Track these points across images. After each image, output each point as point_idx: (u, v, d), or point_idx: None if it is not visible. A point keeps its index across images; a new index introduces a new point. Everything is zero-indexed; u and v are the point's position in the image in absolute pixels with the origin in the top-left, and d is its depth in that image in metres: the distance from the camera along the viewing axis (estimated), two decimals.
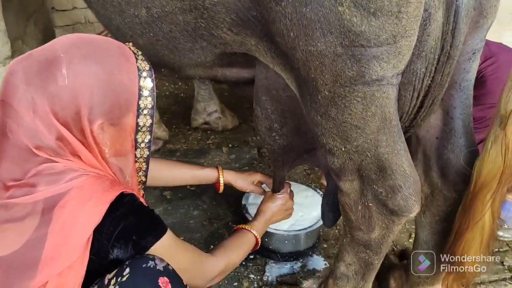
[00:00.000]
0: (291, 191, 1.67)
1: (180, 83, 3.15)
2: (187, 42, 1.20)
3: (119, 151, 1.03)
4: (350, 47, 0.94)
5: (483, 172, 1.15)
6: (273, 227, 1.66)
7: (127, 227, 0.95)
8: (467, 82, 1.24)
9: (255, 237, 1.47)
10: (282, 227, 1.70)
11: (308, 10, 0.92)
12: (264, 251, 1.75)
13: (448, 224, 1.31)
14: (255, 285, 1.65)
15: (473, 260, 1.24)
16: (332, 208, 1.40)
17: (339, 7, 0.89)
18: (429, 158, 1.30)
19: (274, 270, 1.72)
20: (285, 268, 1.73)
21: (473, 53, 1.20)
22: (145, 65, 1.05)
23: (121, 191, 0.96)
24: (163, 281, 0.93)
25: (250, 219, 1.61)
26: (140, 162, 1.11)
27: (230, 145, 2.48)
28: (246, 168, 2.28)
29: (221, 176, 1.64)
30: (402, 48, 0.97)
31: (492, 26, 2.19)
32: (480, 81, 1.89)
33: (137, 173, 1.12)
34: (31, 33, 3.13)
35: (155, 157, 1.90)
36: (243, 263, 1.73)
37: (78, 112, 0.92)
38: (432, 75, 1.13)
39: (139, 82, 1.01)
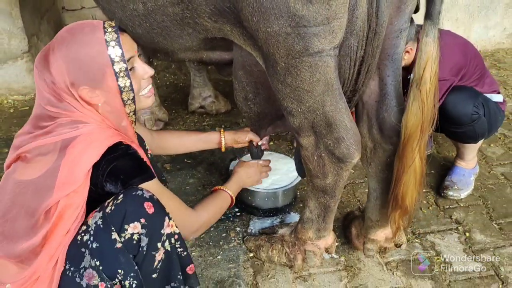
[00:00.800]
0: (267, 160, 1.96)
1: (178, 74, 3.45)
2: (176, 30, 1.48)
3: (112, 107, 1.29)
4: (296, 27, 1.23)
5: (408, 124, 1.44)
6: (255, 187, 1.96)
7: (117, 167, 1.22)
8: (397, 55, 1.52)
9: (230, 195, 1.70)
10: (262, 186, 1.99)
11: (265, 0, 1.22)
12: (248, 208, 2.04)
13: (389, 173, 1.59)
14: (240, 236, 1.94)
15: (411, 196, 1.53)
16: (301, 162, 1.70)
17: None
18: (371, 119, 1.59)
19: (257, 225, 2.00)
20: (266, 222, 2.01)
21: (400, 32, 1.48)
22: (113, 36, 1.24)
23: (118, 140, 1.25)
24: (147, 205, 1.19)
25: None
26: (129, 104, 1.32)
27: (223, 126, 2.76)
28: None
29: (222, 136, 1.89)
30: (334, 28, 1.26)
31: (462, 19, 2.52)
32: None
33: (128, 115, 1.35)
34: (45, 30, 3.43)
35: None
36: (230, 218, 2.02)
37: (67, 84, 1.21)
38: (364, 48, 1.41)
39: (107, 51, 1.23)
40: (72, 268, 1.17)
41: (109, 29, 1.25)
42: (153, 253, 1.19)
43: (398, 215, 1.60)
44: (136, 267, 1.17)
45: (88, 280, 1.15)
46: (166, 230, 1.22)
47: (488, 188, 2.20)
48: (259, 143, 1.92)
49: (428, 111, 1.40)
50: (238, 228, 1.99)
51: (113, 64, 1.24)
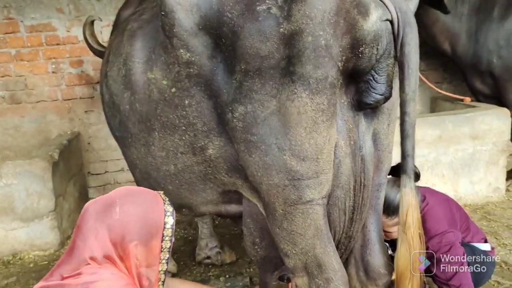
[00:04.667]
0: None
1: (188, 228, 3.60)
2: (200, 184, 1.77)
3: (148, 264, 1.43)
4: (292, 180, 1.45)
5: (399, 264, 1.56)
6: None
7: None
8: (378, 205, 1.71)
9: None
10: None
11: (267, 158, 1.45)
12: None
13: None
14: None
15: None
16: None
17: (284, 156, 1.42)
18: (357, 261, 1.70)
19: None
20: None
21: (380, 185, 1.69)
22: (169, 208, 1.48)
23: None
24: None
25: None
26: (161, 273, 1.48)
27: (227, 276, 2.81)
28: None
29: None
30: (322, 180, 1.46)
31: (448, 175, 2.78)
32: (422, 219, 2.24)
33: (158, 283, 1.49)
34: (70, 192, 3.71)
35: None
36: None
37: (123, 235, 1.38)
38: (353, 199, 1.59)
39: (164, 218, 1.46)
40: None
41: (167, 201, 1.49)
42: None
43: None
44: None
45: None
46: None
47: None
48: None
49: (415, 255, 1.51)
50: None
51: (164, 229, 1.44)
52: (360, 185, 1.58)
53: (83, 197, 3.96)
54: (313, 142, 1.43)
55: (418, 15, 3.67)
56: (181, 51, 1.58)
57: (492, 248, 2.27)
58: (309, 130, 1.42)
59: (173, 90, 1.68)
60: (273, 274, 1.87)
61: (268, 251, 1.76)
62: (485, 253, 2.17)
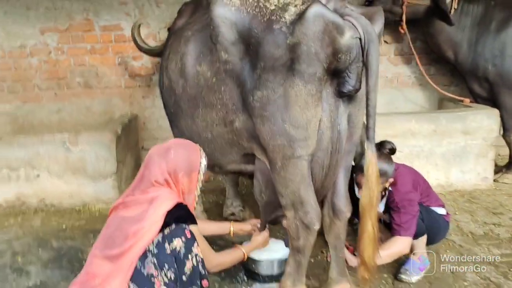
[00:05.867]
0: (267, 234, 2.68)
1: (219, 195, 4.34)
2: (228, 148, 2.49)
3: (189, 190, 2.18)
4: (289, 142, 2.13)
5: (362, 202, 2.19)
6: (257, 257, 2.65)
7: (179, 215, 2.04)
8: (347, 165, 2.36)
9: (243, 253, 2.47)
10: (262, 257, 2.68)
11: (274, 127, 2.14)
12: (252, 274, 2.72)
13: (340, 241, 2.37)
14: None
15: (368, 252, 2.20)
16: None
17: (285, 125, 2.11)
18: (328, 203, 2.37)
19: (257, 285, 2.69)
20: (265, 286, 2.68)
21: (349, 152, 2.34)
22: (203, 154, 2.24)
23: (180, 202, 2.09)
24: (187, 232, 1.99)
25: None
26: (196, 195, 2.23)
27: None
28: None
29: (231, 226, 2.71)
30: (309, 143, 2.14)
31: (441, 164, 3.67)
32: (394, 182, 2.85)
33: (194, 203, 2.24)
34: (128, 161, 4.52)
35: None
36: (238, 282, 2.71)
37: (175, 168, 2.12)
38: (329, 160, 2.26)
39: (200, 160, 2.21)
40: (140, 264, 1.92)
41: (202, 150, 2.26)
42: (185, 260, 1.95)
43: (363, 269, 2.25)
44: (175, 266, 1.91)
45: (148, 270, 1.91)
46: (195, 251, 1.98)
47: (436, 277, 2.75)
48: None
49: (373, 194, 2.16)
50: (243, 287, 2.66)
51: (200, 166, 2.20)
52: (336, 150, 2.25)
53: (137, 166, 4.73)
54: (305, 117, 2.11)
55: (427, 26, 4.26)
56: (222, 53, 2.28)
57: (447, 213, 2.88)
58: (302, 108, 2.10)
59: (214, 79, 2.39)
60: (270, 216, 2.55)
61: (269, 198, 2.43)
62: (439, 215, 2.80)
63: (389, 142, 2.74)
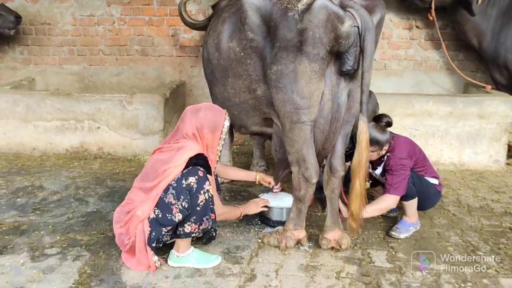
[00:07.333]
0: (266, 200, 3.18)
1: (250, 157, 4.87)
2: (251, 112, 2.98)
3: (212, 145, 2.71)
4: (296, 109, 2.60)
5: (354, 162, 2.62)
6: (270, 205, 3.16)
7: (198, 163, 2.59)
8: (346, 131, 2.80)
9: (240, 212, 2.97)
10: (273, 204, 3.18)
11: (285, 96, 2.61)
12: (264, 219, 3.23)
13: (335, 195, 2.81)
14: (257, 231, 3.14)
15: (355, 205, 2.64)
16: None
17: (293, 95, 2.57)
18: (327, 163, 2.82)
19: (268, 229, 3.19)
20: (274, 229, 3.18)
21: (348, 122, 2.77)
22: (227, 117, 2.73)
23: (202, 152, 2.63)
24: (201, 172, 2.53)
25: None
26: (218, 150, 2.76)
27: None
28: None
29: (258, 174, 3.22)
30: (311, 111, 2.60)
31: (455, 144, 4.17)
32: (392, 147, 3.14)
33: (216, 157, 2.78)
34: (174, 121, 5.08)
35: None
36: (254, 224, 3.24)
37: (202, 125, 2.65)
38: (329, 126, 2.71)
39: (224, 121, 2.71)
40: (163, 194, 2.51)
41: (227, 114, 2.75)
42: (198, 194, 2.51)
43: (351, 219, 2.71)
44: (189, 197, 2.48)
45: (168, 199, 2.48)
46: (206, 187, 2.54)
47: (422, 237, 3.15)
48: (276, 187, 3.20)
49: (362, 157, 2.58)
50: (256, 229, 3.19)
51: (223, 127, 2.70)
52: (335, 119, 2.69)
53: None
54: (309, 89, 2.56)
55: (454, 14, 4.53)
56: (249, 32, 2.74)
57: (439, 184, 3.25)
58: (307, 82, 2.55)
59: (242, 54, 2.86)
60: (283, 170, 3.05)
61: (282, 155, 2.91)
62: (431, 184, 3.17)
63: (386, 116, 3.10)
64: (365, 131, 2.58)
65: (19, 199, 3.67)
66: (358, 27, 2.48)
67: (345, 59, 2.56)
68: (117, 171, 4.39)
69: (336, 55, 2.57)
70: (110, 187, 3.96)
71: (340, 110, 2.69)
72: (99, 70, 5.65)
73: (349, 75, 2.66)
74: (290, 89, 2.60)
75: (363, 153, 2.59)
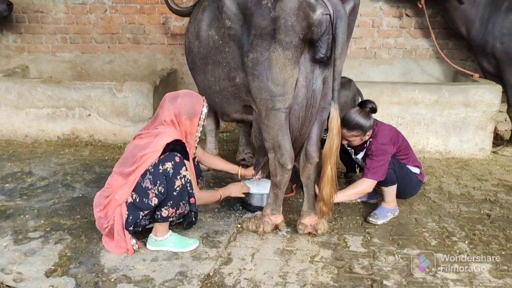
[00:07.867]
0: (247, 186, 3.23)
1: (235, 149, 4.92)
2: (232, 99, 3.01)
3: (190, 132, 2.75)
4: (271, 96, 2.64)
5: (325, 148, 2.65)
6: (250, 191, 3.22)
7: (175, 149, 2.64)
8: (321, 118, 2.82)
9: (220, 195, 3.01)
10: (253, 190, 3.24)
11: (261, 84, 2.64)
12: (245, 204, 3.30)
13: (311, 181, 2.85)
14: (237, 217, 3.20)
15: (326, 190, 2.68)
16: None
17: (268, 83, 2.60)
18: (303, 150, 2.86)
19: (248, 214, 3.25)
20: (254, 214, 3.24)
21: (323, 108, 2.80)
22: (205, 104, 2.77)
23: (179, 139, 2.68)
24: (177, 158, 2.58)
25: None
26: (197, 137, 2.80)
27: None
28: None
29: (240, 170, 3.29)
30: (286, 98, 2.64)
31: (441, 132, 4.14)
32: (375, 133, 3.16)
33: (195, 143, 2.83)
34: None
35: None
36: (234, 210, 3.30)
37: (179, 112, 2.70)
38: (304, 113, 2.74)
39: (202, 108, 2.75)
40: (140, 179, 2.56)
41: (205, 101, 2.79)
42: (174, 180, 2.56)
43: (322, 204, 2.75)
44: (165, 182, 2.53)
45: (145, 184, 2.54)
46: (183, 172, 2.59)
47: (400, 223, 3.19)
48: (257, 176, 3.25)
49: (333, 143, 2.61)
50: (237, 214, 3.25)
51: (201, 114, 2.75)
52: (310, 105, 2.72)
53: None
54: (283, 76, 2.59)
55: (443, 1, 4.51)
56: (226, 21, 2.77)
57: (421, 173, 3.28)
58: (281, 69, 2.58)
59: (220, 42, 2.90)
60: (264, 157, 3.08)
61: (261, 142, 2.94)
62: (412, 173, 3.20)
63: (371, 102, 3.13)
64: (336, 117, 2.61)
65: (7, 185, 3.75)
66: (330, 15, 2.50)
67: (318, 46, 2.58)
68: (106, 158, 4.45)
69: (310, 42, 2.60)
70: (97, 173, 4.03)
71: (316, 96, 2.72)
72: (91, 58, 5.69)
73: (323, 63, 2.68)
74: (265, 76, 2.63)
75: (334, 139, 2.62)
